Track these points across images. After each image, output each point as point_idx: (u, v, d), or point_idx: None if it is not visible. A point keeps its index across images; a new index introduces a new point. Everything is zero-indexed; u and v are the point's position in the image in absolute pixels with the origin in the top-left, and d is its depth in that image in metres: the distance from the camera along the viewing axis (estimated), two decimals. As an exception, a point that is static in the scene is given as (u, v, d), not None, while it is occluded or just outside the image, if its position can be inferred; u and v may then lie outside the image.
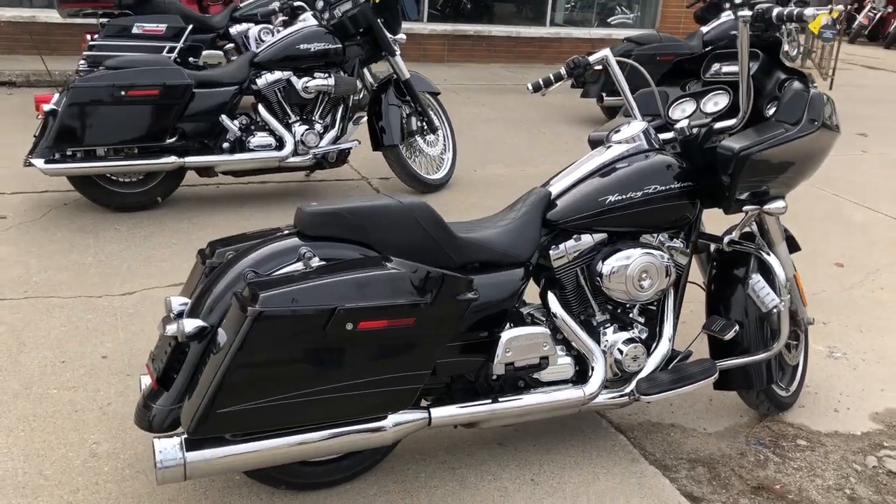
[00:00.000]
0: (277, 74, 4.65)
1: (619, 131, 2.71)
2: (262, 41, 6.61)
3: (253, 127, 4.67)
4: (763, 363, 2.75)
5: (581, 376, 2.55)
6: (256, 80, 4.62)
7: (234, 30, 6.68)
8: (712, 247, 2.91)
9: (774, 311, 2.67)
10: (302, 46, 4.65)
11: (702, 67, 2.85)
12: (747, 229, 2.78)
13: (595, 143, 2.87)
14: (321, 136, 4.75)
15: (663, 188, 2.54)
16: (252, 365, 1.93)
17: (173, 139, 4.36)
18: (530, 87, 2.86)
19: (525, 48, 11.30)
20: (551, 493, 2.50)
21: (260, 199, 4.97)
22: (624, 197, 2.51)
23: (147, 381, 2.32)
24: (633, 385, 2.58)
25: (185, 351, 2.13)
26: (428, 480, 2.51)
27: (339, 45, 4.74)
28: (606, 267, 2.51)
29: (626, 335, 2.60)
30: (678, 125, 2.70)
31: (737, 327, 2.65)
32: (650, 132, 2.67)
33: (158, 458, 1.98)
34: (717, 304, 2.83)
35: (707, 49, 2.90)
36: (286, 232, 2.28)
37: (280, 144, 4.67)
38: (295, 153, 4.68)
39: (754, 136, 2.51)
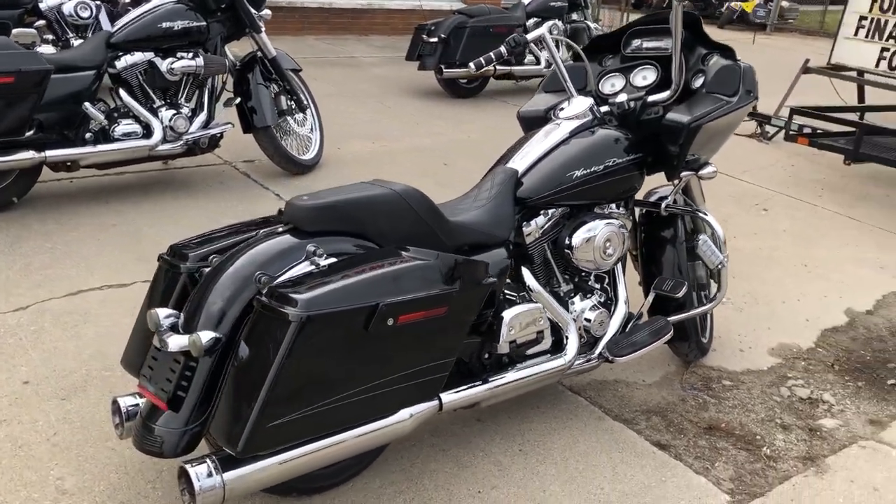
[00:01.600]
0: (138, 56, 4.27)
1: (563, 108, 2.81)
2: (80, 17, 6.03)
3: (115, 114, 4.26)
4: (698, 316, 3.01)
5: (556, 346, 2.65)
6: (115, 62, 4.22)
7: (45, 5, 6.00)
8: (636, 212, 3.12)
9: (720, 266, 2.92)
10: (164, 25, 4.29)
11: (621, 43, 3.02)
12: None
13: (529, 120, 2.95)
14: (190, 120, 4.45)
15: (620, 160, 2.68)
16: (300, 372, 1.84)
17: (31, 132, 3.89)
18: (472, 67, 2.87)
19: (338, 19, 11.14)
20: (542, 460, 2.60)
21: (122, 191, 4.57)
22: (588, 171, 2.62)
23: (128, 402, 2.14)
24: (600, 348, 2.73)
25: (192, 366, 1.97)
26: (425, 466, 2.51)
27: (203, 23, 4.43)
28: (576, 239, 2.62)
29: (590, 302, 2.73)
30: (617, 99, 2.85)
31: (686, 285, 2.87)
32: (594, 107, 2.79)
33: (197, 486, 1.83)
34: (650, 265, 3.04)
35: (624, 26, 3.07)
36: (280, 229, 2.16)
37: (147, 132, 4.31)
38: (164, 140, 4.34)
39: (697, 108, 2.70)
